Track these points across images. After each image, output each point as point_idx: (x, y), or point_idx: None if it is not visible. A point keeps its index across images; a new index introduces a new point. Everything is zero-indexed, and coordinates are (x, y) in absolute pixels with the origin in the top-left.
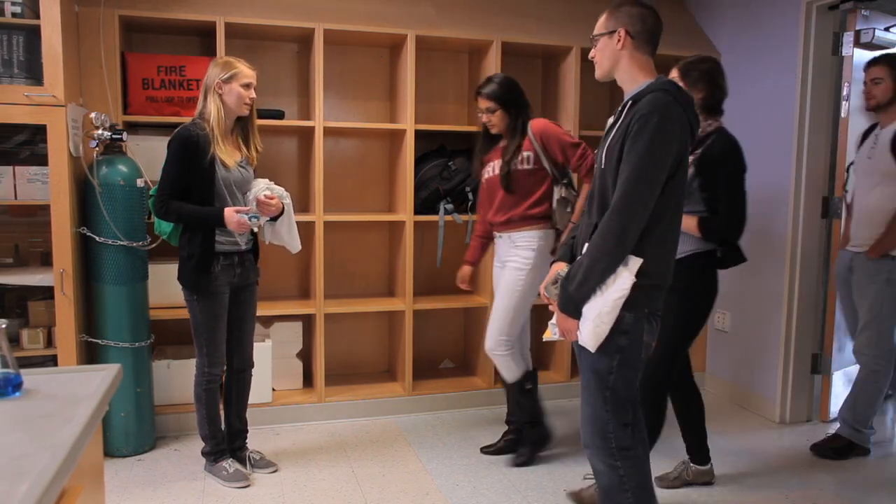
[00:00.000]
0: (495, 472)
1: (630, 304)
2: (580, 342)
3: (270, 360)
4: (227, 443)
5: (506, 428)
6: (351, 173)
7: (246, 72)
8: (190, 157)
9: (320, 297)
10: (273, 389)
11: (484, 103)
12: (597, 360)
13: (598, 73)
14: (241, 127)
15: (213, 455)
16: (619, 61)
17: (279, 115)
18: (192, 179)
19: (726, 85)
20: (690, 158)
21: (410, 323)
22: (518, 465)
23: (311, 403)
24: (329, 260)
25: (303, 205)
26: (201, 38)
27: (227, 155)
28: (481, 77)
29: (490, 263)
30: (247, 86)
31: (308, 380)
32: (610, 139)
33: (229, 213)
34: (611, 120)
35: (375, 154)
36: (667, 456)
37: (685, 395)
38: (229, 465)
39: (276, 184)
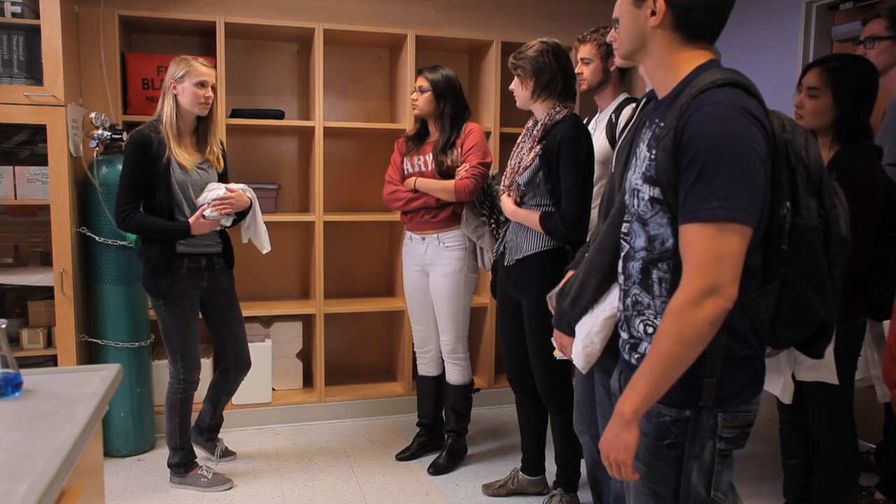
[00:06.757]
0: (495, 473)
1: None
2: (573, 361)
3: (270, 360)
4: (207, 436)
5: (417, 430)
6: (351, 173)
7: (200, 69)
8: (145, 160)
9: (320, 297)
10: (273, 389)
11: (420, 81)
12: (605, 379)
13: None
14: (201, 127)
15: (184, 466)
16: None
17: (279, 115)
18: (150, 184)
19: (571, 67)
20: (537, 148)
21: (410, 323)
22: (438, 472)
23: (311, 403)
24: (329, 260)
25: (303, 205)
26: (201, 38)
27: (184, 156)
28: (482, 77)
29: (397, 262)
30: (201, 84)
31: (308, 380)
32: (621, 140)
33: (195, 223)
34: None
35: (375, 154)
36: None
37: (534, 403)
38: (206, 471)
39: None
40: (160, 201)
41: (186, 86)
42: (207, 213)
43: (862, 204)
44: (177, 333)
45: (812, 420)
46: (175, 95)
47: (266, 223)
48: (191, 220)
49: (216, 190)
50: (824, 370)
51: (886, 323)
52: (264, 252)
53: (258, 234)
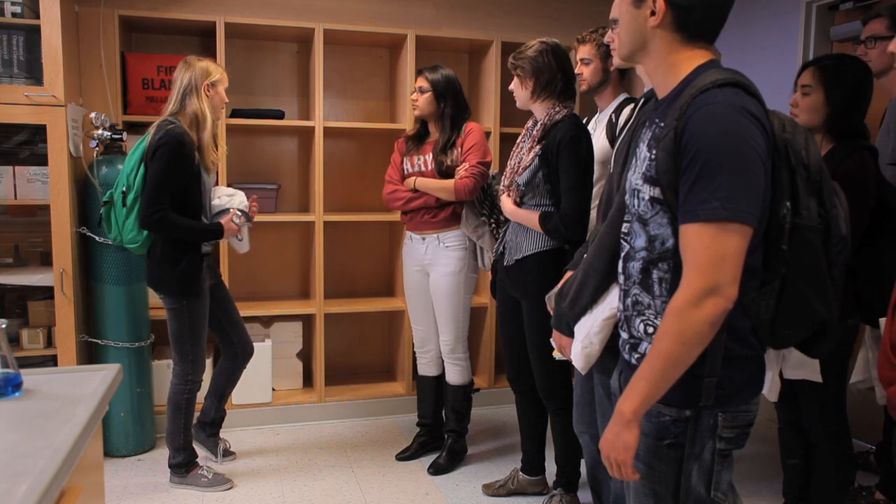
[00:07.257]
0: (495, 473)
1: None
2: (572, 361)
3: (270, 360)
4: (209, 430)
5: (417, 430)
6: (351, 173)
7: (225, 77)
8: (183, 162)
9: (320, 297)
10: (273, 389)
11: (420, 82)
12: (604, 380)
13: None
14: None
15: (186, 466)
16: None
17: (279, 115)
18: (179, 186)
19: (571, 67)
20: (537, 148)
21: (410, 323)
22: (438, 472)
23: (311, 403)
24: (329, 260)
25: (303, 205)
26: (201, 38)
27: (208, 159)
28: (482, 77)
29: (397, 262)
30: (225, 90)
31: (308, 380)
32: (619, 141)
33: (228, 226)
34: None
35: (375, 154)
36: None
37: (534, 403)
38: (206, 471)
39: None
40: (193, 202)
41: (220, 90)
42: (235, 219)
43: (853, 201)
44: (193, 332)
45: (805, 419)
46: (208, 98)
47: (266, 223)
48: (223, 221)
49: (237, 195)
50: (809, 368)
51: (883, 320)
52: (241, 252)
53: (244, 237)
